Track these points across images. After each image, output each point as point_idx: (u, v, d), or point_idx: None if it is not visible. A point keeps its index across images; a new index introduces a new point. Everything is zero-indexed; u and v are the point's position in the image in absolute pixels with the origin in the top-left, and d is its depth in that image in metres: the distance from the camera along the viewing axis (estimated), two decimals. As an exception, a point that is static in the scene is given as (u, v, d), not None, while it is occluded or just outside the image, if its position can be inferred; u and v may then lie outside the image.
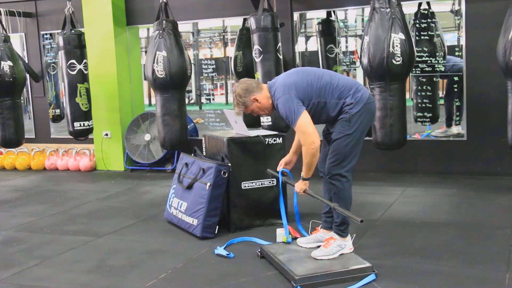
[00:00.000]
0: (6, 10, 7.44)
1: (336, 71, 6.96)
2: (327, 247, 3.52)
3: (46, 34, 8.03)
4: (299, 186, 3.56)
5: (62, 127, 8.08)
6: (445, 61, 6.33)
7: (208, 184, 4.21)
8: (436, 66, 6.31)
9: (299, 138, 3.55)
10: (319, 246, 3.65)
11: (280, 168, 3.83)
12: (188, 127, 6.51)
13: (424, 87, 6.41)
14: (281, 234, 3.94)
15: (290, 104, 3.39)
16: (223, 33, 8.28)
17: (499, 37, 4.65)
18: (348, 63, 7.19)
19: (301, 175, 3.53)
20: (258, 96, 3.54)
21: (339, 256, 3.51)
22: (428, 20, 6.33)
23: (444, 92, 6.52)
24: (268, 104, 3.57)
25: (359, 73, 7.61)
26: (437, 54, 6.31)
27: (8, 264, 3.95)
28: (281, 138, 4.46)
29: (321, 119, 3.55)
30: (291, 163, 3.82)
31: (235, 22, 7.63)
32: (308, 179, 3.52)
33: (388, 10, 4.87)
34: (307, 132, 3.37)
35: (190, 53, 8.17)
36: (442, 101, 6.56)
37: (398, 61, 4.85)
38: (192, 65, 6.70)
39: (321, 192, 3.76)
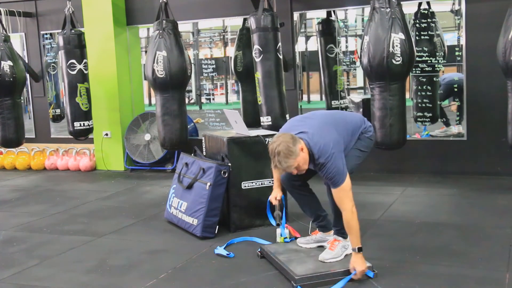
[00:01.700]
0: (6, 10, 7.44)
1: (336, 71, 7.00)
2: (333, 249, 3.51)
3: (46, 34, 8.03)
4: (362, 265, 3.23)
5: (62, 127, 8.09)
6: (445, 61, 6.34)
7: (208, 184, 4.21)
8: (436, 66, 6.31)
9: (337, 200, 3.28)
10: (319, 247, 3.66)
11: (275, 202, 3.83)
12: (188, 127, 6.52)
13: (424, 87, 6.41)
14: (280, 234, 3.94)
15: (341, 164, 3.23)
16: (223, 33, 8.28)
17: (499, 37, 4.65)
18: (348, 63, 7.19)
19: (352, 247, 3.27)
20: (302, 146, 3.24)
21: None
22: (428, 20, 6.33)
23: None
24: (307, 158, 3.26)
25: (359, 73, 7.62)
26: (437, 54, 6.31)
27: (8, 264, 3.95)
28: (281, 138, 4.45)
29: None
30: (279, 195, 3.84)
31: (235, 22, 7.63)
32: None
33: (388, 10, 4.86)
34: (350, 197, 3.24)
35: (190, 53, 8.17)
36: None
37: (398, 61, 4.84)
38: (192, 65, 6.70)
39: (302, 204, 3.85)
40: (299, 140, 3.22)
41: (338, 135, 3.34)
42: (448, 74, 6.49)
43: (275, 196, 3.81)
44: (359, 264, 3.23)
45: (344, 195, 3.24)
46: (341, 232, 3.57)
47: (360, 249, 3.24)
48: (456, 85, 6.26)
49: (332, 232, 3.67)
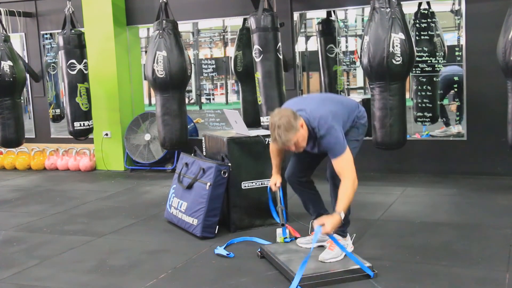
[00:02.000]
0: (6, 10, 7.44)
1: (336, 71, 7.01)
2: (333, 249, 3.50)
3: (46, 34, 8.03)
4: (331, 227, 3.15)
5: (62, 127, 8.09)
6: (445, 61, 6.35)
7: (208, 184, 4.21)
8: (436, 66, 6.31)
9: (339, 169, 3.27)
10: (319, 247, 3.65)
11: (274, 188, 3.82)
12: (188, 127, 6.52)
13: (424, 87, 6.41)
14: (281, 234, 3.94)
15: (340, 135, 3.26)
16: (223, 33, 8.28)
17: (499, 37, 4.65)
18: (348, 63, 7.19)
19: (336, 209, 3.20)
20: (302, 123, 3.25)
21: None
22: (428, 20, 6.33)
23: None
24: (306, 136, 3.28)
25: (359, 73, 7.62)
26: (437, 54, 6.31)
27: (8, 264, 3.95)
28: (281, 138, 4.45)
29: None
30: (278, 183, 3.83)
31: (235, 22, 7.63)
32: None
33: (388, 10, 4.86)
34: (353, 167, 3.25)
35: (190, 53, 8.17)
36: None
37: (398, 61, 4.84)
38: (192, 65, 6.71)
39: (306, 202, 3.83)
40: (299, 117, 3.24)
41: (336, 110, 3.39)
42: (446, 68, 6.44)
43: (275, 182, 3.80)
44: (330, 225, 3.13)
45: (346, 164, 3.25)
46: (341, 231, 3.58)
47: (342, 217, 3.16)
48: (456, 85, 6.25)
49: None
